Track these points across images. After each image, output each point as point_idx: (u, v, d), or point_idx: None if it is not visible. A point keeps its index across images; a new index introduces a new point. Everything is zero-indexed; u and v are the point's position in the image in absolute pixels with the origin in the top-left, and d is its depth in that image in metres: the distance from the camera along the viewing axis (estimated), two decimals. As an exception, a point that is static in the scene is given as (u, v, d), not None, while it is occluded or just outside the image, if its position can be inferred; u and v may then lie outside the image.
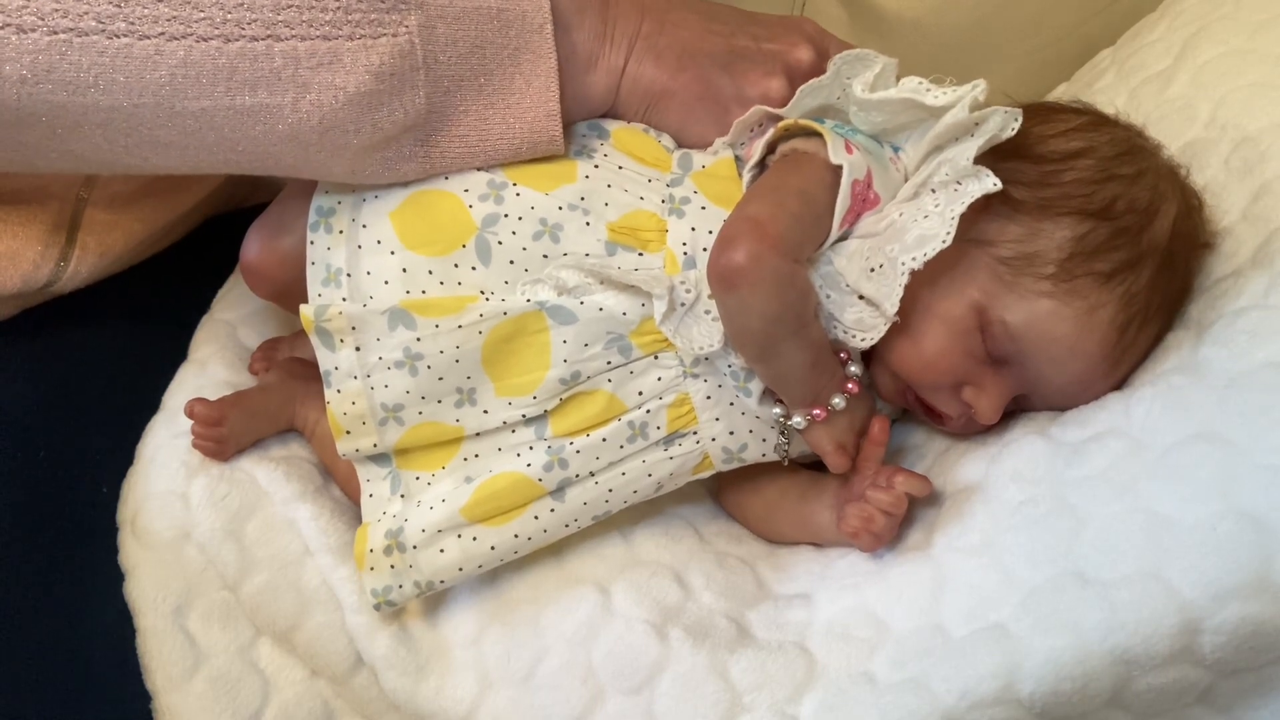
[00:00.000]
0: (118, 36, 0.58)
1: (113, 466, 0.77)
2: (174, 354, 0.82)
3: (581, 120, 0.73)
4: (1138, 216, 0.68)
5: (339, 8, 0.62)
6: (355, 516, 0.73)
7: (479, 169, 0.69)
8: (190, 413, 0.73)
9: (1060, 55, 0.99)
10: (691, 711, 0.63)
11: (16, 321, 0.79)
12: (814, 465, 0.72)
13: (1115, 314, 0.67)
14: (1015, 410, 0.71)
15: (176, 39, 0.59)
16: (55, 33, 0.58)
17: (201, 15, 0.59)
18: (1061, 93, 0.96)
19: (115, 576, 0.73)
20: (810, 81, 0.69)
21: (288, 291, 0.72)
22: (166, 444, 0.75)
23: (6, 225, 0.75)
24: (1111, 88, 0.87)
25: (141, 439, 0.77)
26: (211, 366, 0.80)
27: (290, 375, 0.78)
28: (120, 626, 0.72)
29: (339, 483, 0.77)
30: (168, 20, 0.59)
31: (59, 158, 0.64)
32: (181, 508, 0.73)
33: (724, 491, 0.77)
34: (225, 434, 0.74)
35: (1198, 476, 0.59)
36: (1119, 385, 0.69)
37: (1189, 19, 0.85)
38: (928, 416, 0.72)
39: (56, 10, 0.57)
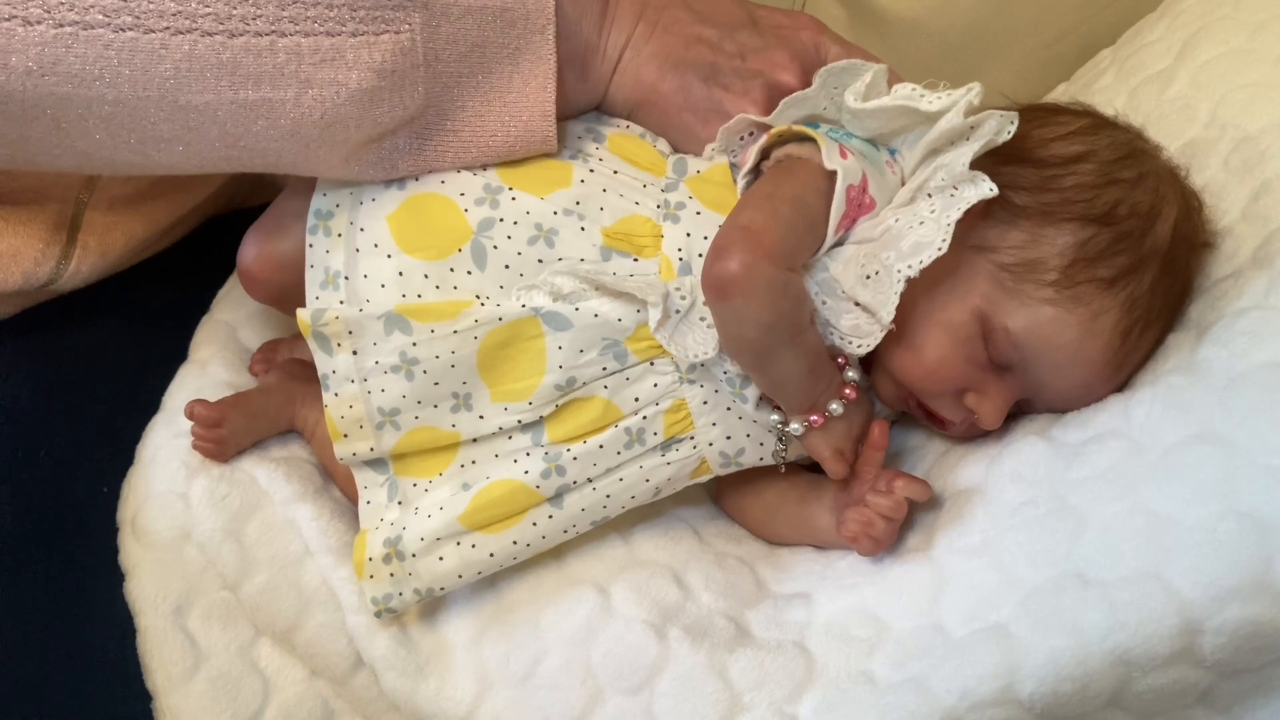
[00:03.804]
0: (123, 30, 0.59)
1: (113, 466, 0.77)
2: (174, 354, 0.82)
3: (567, 120, 0.72)
4: (1139, 221, 0.67)
5: (344, 4, 0.62)
6: (355, 517, 0.73)
7: (474, 172, 0.69)
8: (190, 414, 0.73)
9: (1060, 55, 0.99)
10: (691, 711, 0.64)
11: (17, 320, 0.79)
12: (813, 467, 0.72)
13: (1118, 320, 0.66)
14: (1016, 413, 0.71)
15: (181, 33, 0.59)
16: (61, 25, 0.58)
17: (207, 10, 0.60)
18: (1061, 93, 0.95)
19: (115, 576, 0.73)
20: (795, 94, 0.69)
21: (285, 295, 0.71)
22: (166, 444, 0.75)
23: (7, 224, 0.75)
24: (1111, 88, 0.87)
25: (141, 439, 0.77)
26: (212, 367, 0.80)
27: (290, 376, 0.78)
28: (120, 626, 0.72)
29: (339, 484, 0.76)
30: (173, 15, 0.59)
31: (62, 154, 0.64)
32: (182, 508, 0.73)
33: (723, 494, 0.77)
34: (225, 435, 0.74)
35: (1198, 477, 0.59)
36: (1121, 388, 0.69)
37: (1189, 19, 0.85)
38: (930, 422, 0.72)
39: (63, 4, 0.58)
